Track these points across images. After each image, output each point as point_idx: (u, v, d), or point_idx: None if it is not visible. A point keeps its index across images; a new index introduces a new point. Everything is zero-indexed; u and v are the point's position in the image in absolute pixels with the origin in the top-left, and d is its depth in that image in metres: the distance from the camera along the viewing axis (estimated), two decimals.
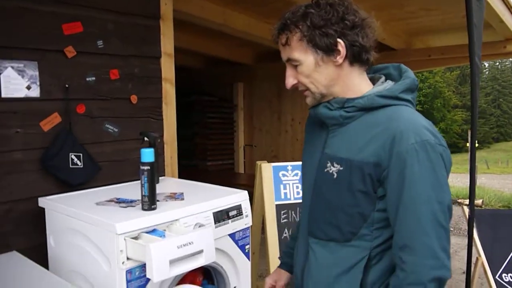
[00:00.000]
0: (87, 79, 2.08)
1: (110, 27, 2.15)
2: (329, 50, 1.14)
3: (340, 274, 1.16)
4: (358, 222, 1.12)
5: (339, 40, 1.12)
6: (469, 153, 2.21)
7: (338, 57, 1.14)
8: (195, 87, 6.62)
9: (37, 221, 1.88)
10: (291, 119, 6.09)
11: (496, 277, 2.86)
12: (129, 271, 1.46)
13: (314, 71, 1.16)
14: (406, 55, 4.84)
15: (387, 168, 1.07)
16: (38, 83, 1.91)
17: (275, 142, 6.33)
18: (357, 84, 1.19)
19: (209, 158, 6.27)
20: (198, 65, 6.72)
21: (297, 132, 6.04)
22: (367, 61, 1.18)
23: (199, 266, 1.49)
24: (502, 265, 2.85)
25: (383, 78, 1.25)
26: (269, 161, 2.52)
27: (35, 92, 1.90)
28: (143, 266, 1.48)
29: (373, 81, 1.23)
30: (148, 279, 1.49)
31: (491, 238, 2.89)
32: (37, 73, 1.90)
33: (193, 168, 6.33)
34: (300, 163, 1.41)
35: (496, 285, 2.83)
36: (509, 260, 2.85)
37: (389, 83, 1.21)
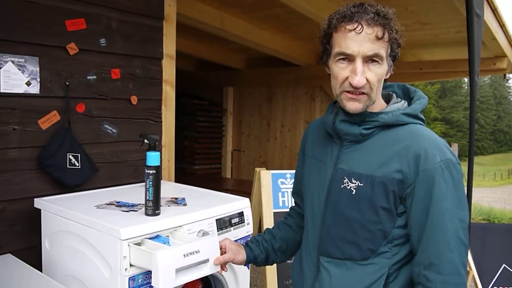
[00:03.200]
0: (88, 77, 2.02)
1: (114, 25, 2.10)
2: (393, 61, 1.14)
3: None
4: (379, 239, 1.10)
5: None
6: (467, 167, 2.22)
7: (391, 70, 1.14)
8: (185, 90, 6.56)
9: (31, 222, 1.82)
10: (280, 125, 6.08)
11: None
12: (132, 278, 1.42)
13: (383, 78, 1.12)
14: (397, 67, 4.86)
15: (411, 185, 1.06)
16: (38, 79, 1.85)
17: (263, 148, 6.31)
18: (379, 98, 1.18)
19: (197, 162, 6.21)
20: (189, 68, 6.67)
21: (286, 139, 6.03)
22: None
23: (204, 275, 1.45)
24: (493, 279, 2.88)
25: (394, 95, 1.24)
26: (257, 168, 2.47)
27: (35, 89, 1.84)
28: (146, 274, 1.44)
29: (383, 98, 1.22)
30: (152, 287, 1.44)
31: (481, 252, 2.92)
32: (38, 69, 1.84)
33: (181, 171, 6.25)
34: None
35: None
36: (499, 274, 2.89)
37: (403, 102, 1.21)
